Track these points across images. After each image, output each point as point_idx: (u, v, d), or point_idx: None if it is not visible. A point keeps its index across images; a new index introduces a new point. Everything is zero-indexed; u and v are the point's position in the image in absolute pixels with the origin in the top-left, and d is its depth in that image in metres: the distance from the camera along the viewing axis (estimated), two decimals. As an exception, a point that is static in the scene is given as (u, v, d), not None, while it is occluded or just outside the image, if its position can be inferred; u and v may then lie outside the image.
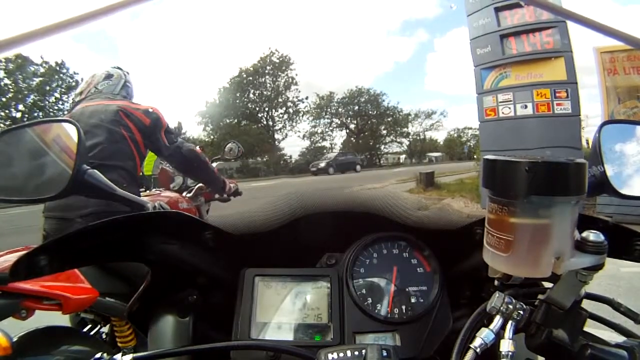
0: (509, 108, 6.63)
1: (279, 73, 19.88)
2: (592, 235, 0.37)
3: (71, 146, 0.65)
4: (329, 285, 0.64)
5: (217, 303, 0.65)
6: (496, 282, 0.42)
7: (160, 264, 0.61)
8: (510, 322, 0.40)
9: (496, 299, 0.40)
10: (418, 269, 0.66)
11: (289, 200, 0.68)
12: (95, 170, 0.66)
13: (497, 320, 0.40)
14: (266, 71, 19.76)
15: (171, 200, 1.68)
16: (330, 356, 0.46)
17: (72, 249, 0.53)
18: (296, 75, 20.21)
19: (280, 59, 19.79)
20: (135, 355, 0.50)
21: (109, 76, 1.61)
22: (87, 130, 1.32)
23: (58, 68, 18.69)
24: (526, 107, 6.46)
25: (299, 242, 0.67)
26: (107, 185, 0.67)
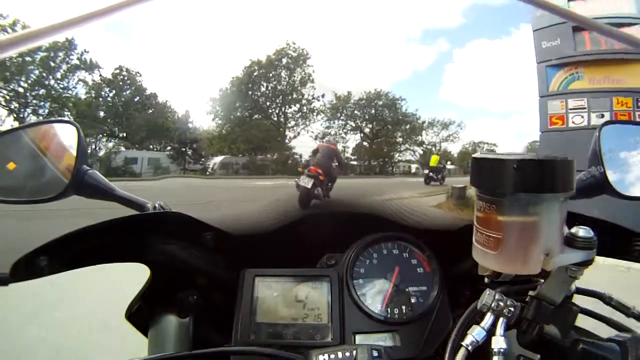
0: (582, 117, 5.44)
1: (295, 68, 19.24)
2: (582, 231, 0.38)
3: (71, 147, 0.66)
4: (329, 285, 0.64)
5: (218, 303, 0.66)
6: (486, 280, 0.43)
7: (160, 264, 0.62)
8: (501, 319, 0.40)
9: (487, 297, 0.41)
10: (418, 269, 0.67)
11: (289, 201, 0.68)
12: (95, 171, 0.66)
13: (488, 318, 0.41)
14: (282, 64, 19.10)
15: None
16: (321, 357, 0.47)
17: (72, 250, 0.53)
18: (313, 72, 19.44)
19: (297, 53, 19.21)
20: None
21: None
22: None
23: (68, 44, 17.90)
24: (603, 116, 5.25)
25: (299, 243, 0.67)
26: (107, 185, 0.67)
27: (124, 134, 18.13)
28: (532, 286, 0.43)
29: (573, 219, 0.39)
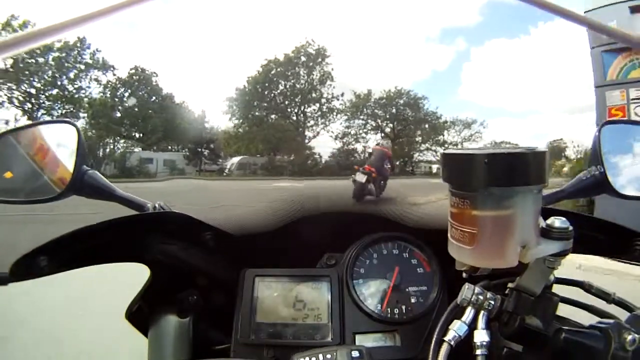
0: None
1: (314, 66, 18.25)
2: (558, 222, 0.38)
3: (71, 147, 0.66)
4: (329, 285, 0.65)
5: (217, 303, 0.67)
6: (464, 275, 0.43)
7: (160, 264, 0.62)
8: (482, 312, 0.41)
9: (466, 291, 0.42)
10: (418, 269, 0.67)
11: (289, 202, 0.68)
12: (95, 171, 0.66)
13: (469, 312, 0.42)
14: (300, 62, 18.17)
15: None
16: None
17: (72, 250, 0.53)
18: (332, 70, 18.19)
19: (316, 51, 18.12)
20: None
21: None
22: None
23: (80, 44, 17.36)
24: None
25: (299, 243, 0.68)
26: (106, 186, 0.67)
27: (140, 135, 18.02)
28: (511, 279, 0.44)
29: (547, 213, 0.40)
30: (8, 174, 0.68)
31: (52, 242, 0.52)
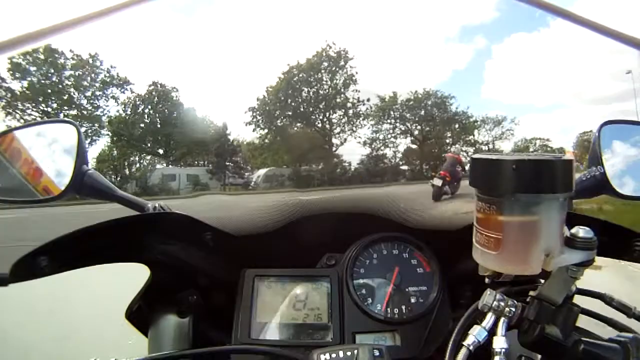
0: None
1: (337, 70, 17.69)
2: (582, 232, 0.38)
3: (71, 147, 0.65)
4: (329, 285, 0.64)
5: (217, 303, 0.66)
6: (487, 280, 0.42)
7: (160, 264, 0.62)
8: (502, 319, 0.40)
9: (487, 297, 0.41)
10: (418, 270, 0.66)
11: (289, 203, 0.68)
12: (96, 171, 0.66)
13: (489, 318, 0.41)
14: (322, 67, 17.56)
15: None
16: (322, 357, 0.47)
17: (72, 250, 0.53)
18: (356, 72, 17.65)
19: (338, 53, 17.58)
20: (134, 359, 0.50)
21: None
22: None
23: (91, 60, 16.92)
24: None
25: (299, 243, 0.67)
26: (107, 186, 0.67)
27: (163, 151, 17.29)
28: (533, 286, 0.43)
29: (572, 219, 0.39)
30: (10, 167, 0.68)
31: (52, 243, 0.52)
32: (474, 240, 0.40)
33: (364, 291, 0.65)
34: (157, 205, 0.68)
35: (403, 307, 0.63)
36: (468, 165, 0.43)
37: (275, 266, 0.66)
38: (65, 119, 0.83)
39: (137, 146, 16.57)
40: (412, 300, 0.64)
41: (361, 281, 0.65)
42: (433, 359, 0.60)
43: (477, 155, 0.38)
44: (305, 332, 0.61)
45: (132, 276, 0.68)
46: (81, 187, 0.64)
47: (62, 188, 0.63)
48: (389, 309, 0.63)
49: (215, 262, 0.65)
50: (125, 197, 0.68)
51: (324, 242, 0.70)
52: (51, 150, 0.68)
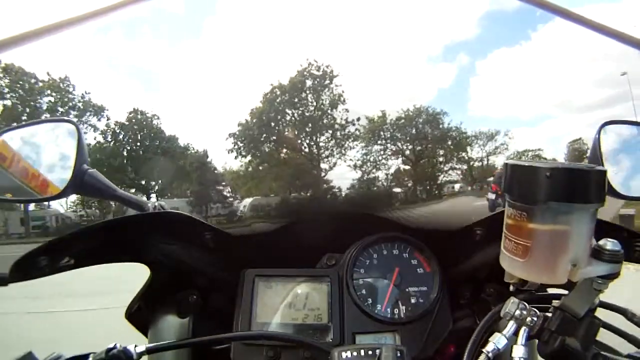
0: None
1: (322, 89, 16.47)
2: (610, 244, 0.36)
3: (71, 146, 0.65)
4: (329, 285, 0.63)
5: (218, 303, 0.65)
6: (512, 288, 0.41)
7: (160, 264, 0.61)
8: (523, 328, 0.39)
9: (510, 304, 0.40)
10: (418, 270, 0.66)
11: (289, 203, 0.68)
12: (96, 170, 0.66)
13: (511, 326, 0.39)
14: (306, 86, 16.34)
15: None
16: (344, 355, 0.45)
17: (72, 250, 0.53)
18: (342, 92, 16.45)
19: (322, 72, 16.38)
20: (148, 345, 0.50)
21: None
22: None
23: (61, 85, 16.38)
24: None
25: (300, 243, 0.67)
26: (107, 185, 0.66)
27: (143, 182, 16.48)
28: (556, 296, 0.42)
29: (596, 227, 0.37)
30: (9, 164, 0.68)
31: (52, 243, 0.51)
32: (502, 246, 0.38)
33: (364, 291, 0.63)
34: (157, 204, 0.67)
35: (403, 308, 0.62)
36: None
37: (275, 266, 0.65)
38: (65, 117, 0.83)
39: (118, 177, 15.89)
40: (412, 301, 0.63)
41: (361, 281, 0.64)
42: (433, 359, 0.60)
43: (511, 162, 0.37)
44: (305, 332, 0.59)
45: (132, 278, 0.68)
46: (82, 185, 0.64)
47: (63, 187, 0.63)
48: (389, 309, 0.62)
49: (215, 262, 0.65)
50: (126, 196, 0.68)
51: (324, 242, 0.69)
52: (51, 149, 0.68)
